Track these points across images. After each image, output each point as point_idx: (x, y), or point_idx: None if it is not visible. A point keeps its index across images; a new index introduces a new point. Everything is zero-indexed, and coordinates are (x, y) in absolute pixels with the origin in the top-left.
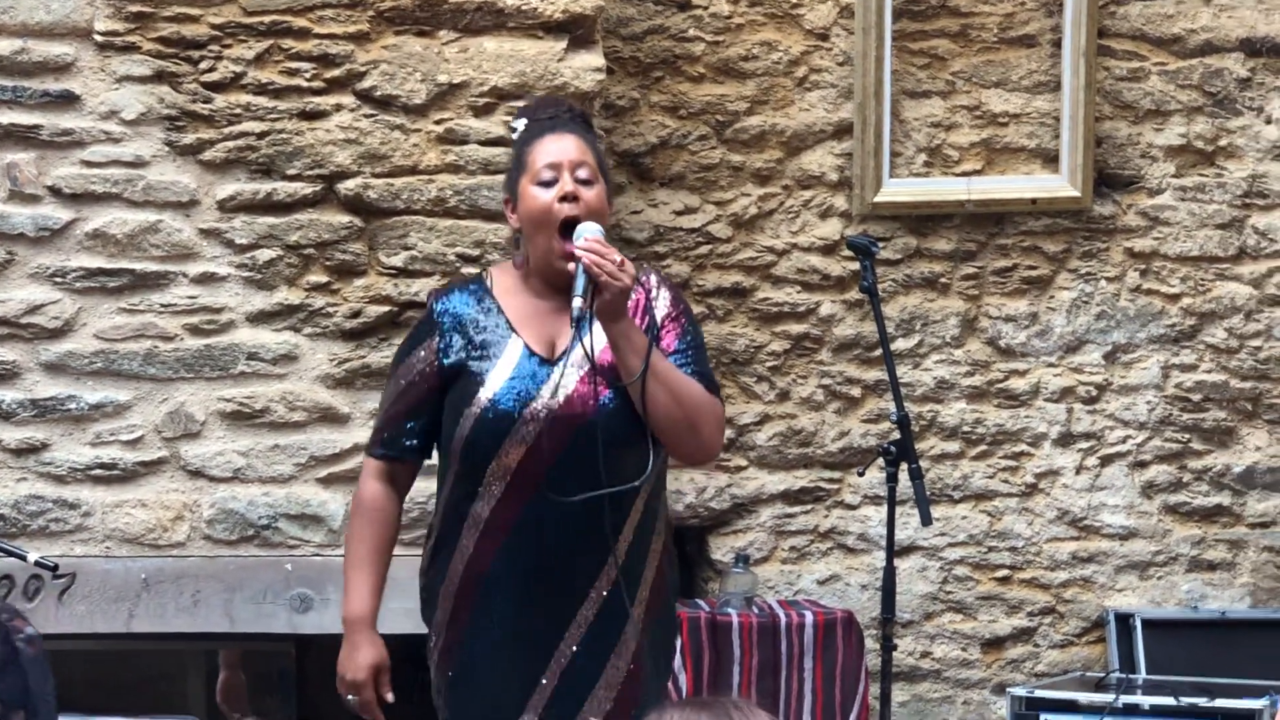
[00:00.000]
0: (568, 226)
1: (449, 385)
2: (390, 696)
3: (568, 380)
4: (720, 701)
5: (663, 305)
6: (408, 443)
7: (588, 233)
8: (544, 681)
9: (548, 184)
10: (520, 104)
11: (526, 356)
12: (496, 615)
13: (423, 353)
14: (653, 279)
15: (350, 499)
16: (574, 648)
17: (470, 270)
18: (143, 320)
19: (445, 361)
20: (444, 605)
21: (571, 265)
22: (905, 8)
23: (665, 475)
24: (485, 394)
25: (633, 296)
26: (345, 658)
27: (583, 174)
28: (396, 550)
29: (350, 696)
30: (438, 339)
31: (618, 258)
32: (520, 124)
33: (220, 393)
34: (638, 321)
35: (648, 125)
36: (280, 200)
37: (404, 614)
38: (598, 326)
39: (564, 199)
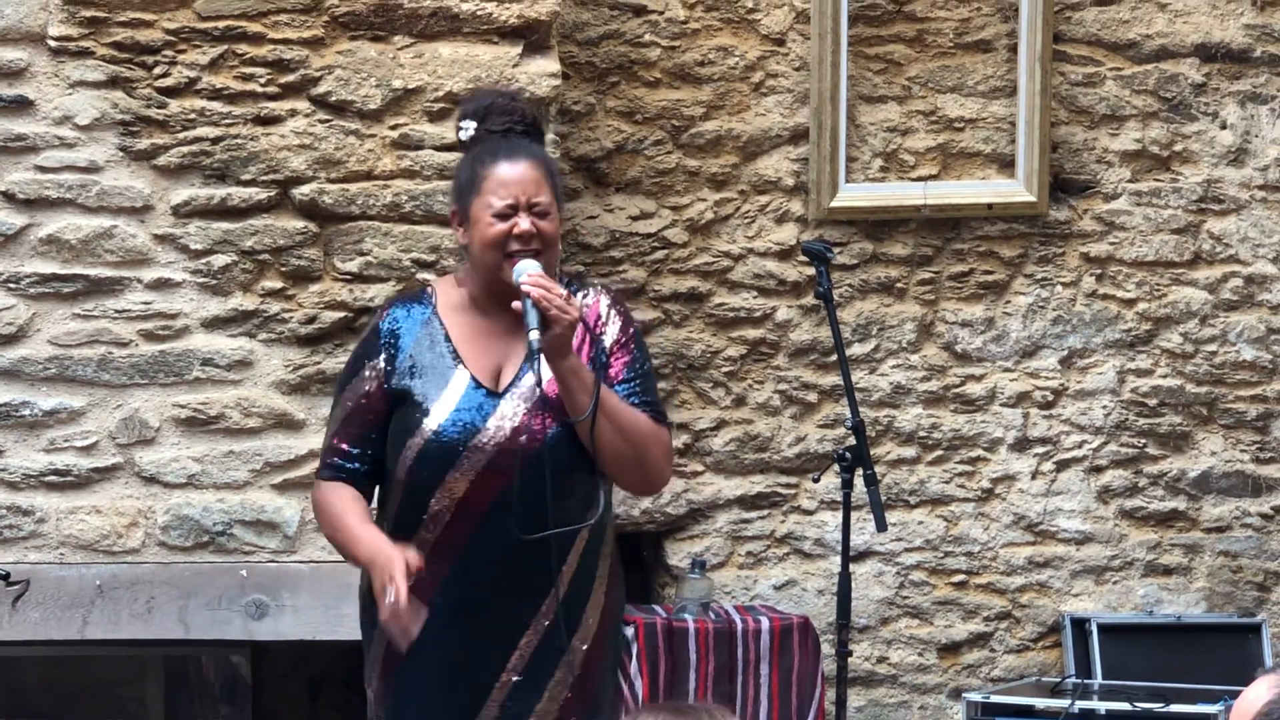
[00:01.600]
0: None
1: (394, 408)
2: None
3: (515, 412)
4: (694, 707)
5: (612, 332)
6: (355, 466)
7: (530, 269)
8: (485, 712)
9: (503, 215)
10: (466, 100)
11: (473, 388)
12: (439, 644)
13: (369, 373)
14: (603, 302)
15: (305, 506)
16: (517, 676)
17: (425, 276)
18: (97, 326)
19: (390, 384)
20: (382, 633)
21: (517, 304)
22: (861, 13)
23: (612, 492)
24: (430, 424)
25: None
26: (376, 576)
27: (540, 203)
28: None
29: (388, 600)
30: (383, 360)
31: (563, 292)
32: (469, 126)
33: (175, 399)
34: (585, 348)
35: (603, 130)
36: (235, 206)
37: (358, 620)
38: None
39: (520, 237)
